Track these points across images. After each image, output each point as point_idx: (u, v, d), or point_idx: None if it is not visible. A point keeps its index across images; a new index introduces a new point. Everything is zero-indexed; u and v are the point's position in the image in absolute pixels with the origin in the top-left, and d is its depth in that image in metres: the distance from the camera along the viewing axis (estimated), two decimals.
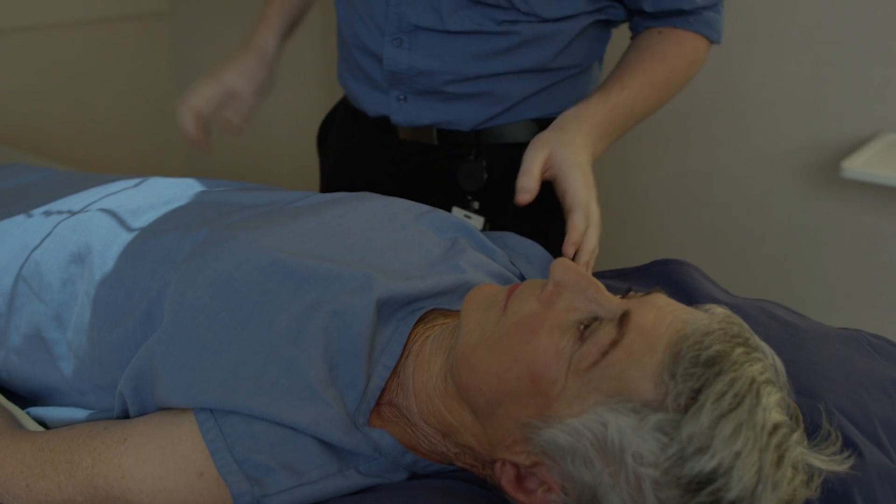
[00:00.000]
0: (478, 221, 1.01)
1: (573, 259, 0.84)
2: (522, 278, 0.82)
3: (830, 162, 2.08)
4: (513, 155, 0.96)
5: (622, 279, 0.86)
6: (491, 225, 1.03)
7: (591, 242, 0.84)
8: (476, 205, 1.03)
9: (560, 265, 0.62)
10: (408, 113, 1.05)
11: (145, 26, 2.97)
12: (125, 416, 0.72)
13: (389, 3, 0.98)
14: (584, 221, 0.84)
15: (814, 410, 0.65)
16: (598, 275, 0.89)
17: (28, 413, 0.81)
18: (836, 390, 0.68)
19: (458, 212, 0.99)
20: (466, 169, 1.04)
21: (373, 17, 1.01)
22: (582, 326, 0.59)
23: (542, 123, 1.02)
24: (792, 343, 0.72)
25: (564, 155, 0.87)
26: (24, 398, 0.86)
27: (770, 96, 2.14)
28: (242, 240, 0.73)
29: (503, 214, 1.03)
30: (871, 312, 2.16)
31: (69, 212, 0.90)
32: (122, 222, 0.84)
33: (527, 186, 0.87)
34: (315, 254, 0.74)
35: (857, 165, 1.80)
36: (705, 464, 0.53)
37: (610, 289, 0.62)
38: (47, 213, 0.92)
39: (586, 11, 0.99)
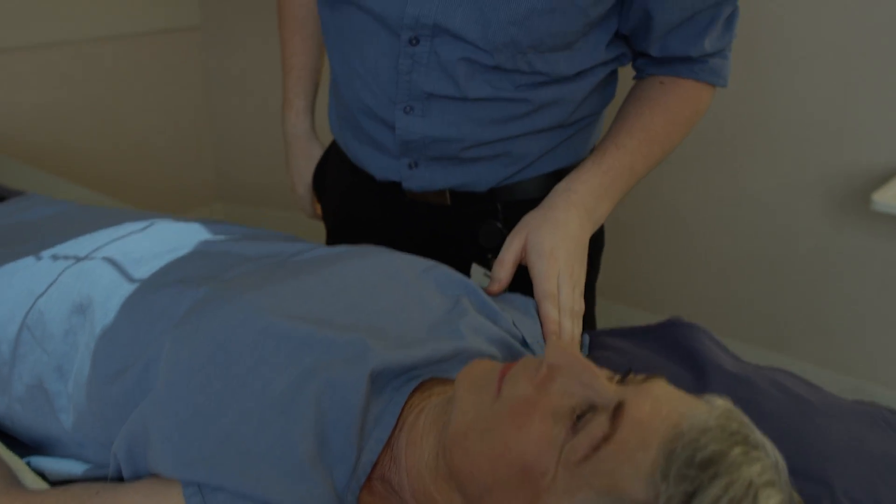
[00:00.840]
0: None
1: None
2: (524, 342, 0.80)
3: (861, 191, 2.03)
4: (528, 211, 0.94)
5: (630, 339, 0.84)
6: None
7: (568, 332, 0.82)
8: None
9: (554, 347, 0.60)
10: (421, 179, 1.01)
11: (176, 40, 3.00)
12: (119, 476, 0.72)
13: (400, 70, 0.93)
14: (554, 311, 0.82)
15: (822, 498, 0.62)
16: (605, 332, 0.87)
17: (28, 463, 0.81)
18: (847, 474, 0.65)
19: (477, 270, 0.97)
20: (487, 228, 1.01)
21: (380, 84, 0.96)
22: (575, 416, 0.57)
23: (558, 176, 1.00)
24: (802, 419, 0.70)
25: (536, 241, 0.86)
26: (27, 445, 0.86)
27: (800, 121, 2.09)
28: (239, 301, 0.72)
29: (521, 269, 1.01)
30: None
31: (75, 257, 0.90)
32: (124, 272, 0.84)
33: (496, 276, 0.87)
34: (313, 315, 0.73)
35: (889, 199, 1.75)
36: None
37: (611, 361, 0.61)
38: (55, 258, 0.93)
39: (603, 62, 0.97)
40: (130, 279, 0.83)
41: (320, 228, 1.30)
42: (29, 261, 0.94)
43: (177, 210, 3.18)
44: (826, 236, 2.14)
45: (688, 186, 2.34)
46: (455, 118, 0.96)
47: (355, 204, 1.13)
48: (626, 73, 1.08)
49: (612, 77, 1.03)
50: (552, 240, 0.86)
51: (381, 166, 1.04)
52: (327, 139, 1.22)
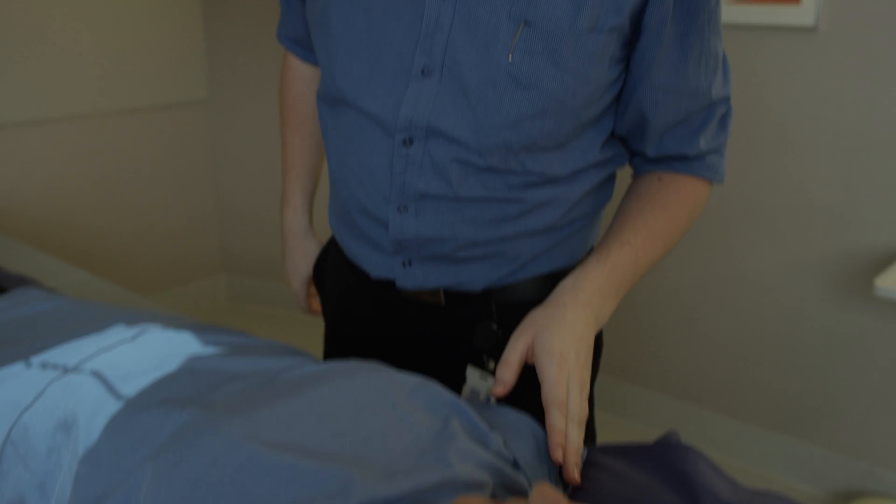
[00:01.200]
0: (492, 382, 0.98)
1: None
2: (516, 463, 0.79)
3: (864, 273, 2.02)
4: (524, 315, 0.93)
5: (624, 458, 0.82)
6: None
7: (574, 442, 0.80)
8: (492, 364, 0.99)
9: (539, 495, 0.59)
10: (415, 278, 1.01)
11: (184, 114, 3.05)
12: None
13: (394, 170, 0.94)
14: (562, 420, 0.80)
15: None
16: (602, 450, 0.85)
17: None
18: None
19: (472, 371, 0.96)
20: (482, 329, 1.01)
21: (374, 183, 0.97)
22: None
23: (554, 278, 1.00)
24: None
25: (545, 341, 0.84)
26: None
27: (801, 202, 2.10)
28: (223, 428, 0.71)
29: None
30: None
31: (63, 368, 0.90)
32: (110, 388, 0.83)
33: (502, 378, 0.85)
34: (297, 443, 0.71)
35: (891, 284, 1.74)
36: None
37: (605, 486, 0.59)
38: (44, 366, 0.92)
39: (597, 162, 0.98)
40: (117, 396, 0.82)
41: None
42: (18, 368, 0.93)
43: (180, 281, 3.18)
44: (830, 318, 2.12)
45: (691, 265, 2.33)
46: (448, 218, 0.96)
47: (352, 302, 1.13)
48: (624, 168, 1.08)
49: (610, 179, 1.04)
50: (562, 341, 0.85)
51: (375, 264, 1.04)
52: (326, 236, 1.23)
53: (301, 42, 1.20)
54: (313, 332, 1.69)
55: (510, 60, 0.87)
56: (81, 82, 2.72)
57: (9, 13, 2.52)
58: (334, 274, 1.17)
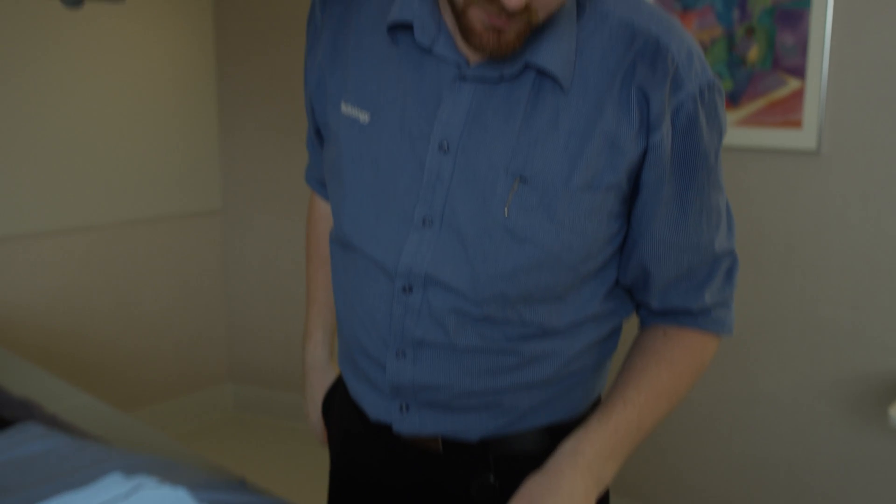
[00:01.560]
0: None
1: None
2: None
3: (878, 397, 1.98)
4: (523, 468, 0.91)
5: None
6: None
7: None
8: None
9: None
10: (411, 424, 1.00)
11: (198, 224, 3.10)
12: None
13: (394, 316, 0.95)
14: None
15: None
16: None
17: None
18: None
19: None
20: (479, 482, 0.99)
21: (375, 326, 0.98)
22: None
23: (553, 431, 0.98)
24: None
25: None
26: None
27: (811, 322, 2.08)
28: None
29: None
30: None
31: None
32: None
33: None
34: None
35: None
36: None
37: None
38: None
39: (597, 314, 0.97)
40: None
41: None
42: None
43: (187, 390, 3.16)
44: (844, 441, 2.07)
45: (704, 384, 2.30)
46: (445, 366, 0.96)
47: (355, 444, 1.12)
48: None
49: (614, 332, 1.03)
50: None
51: (374, 406, 1.04)
52: None
53: (325, 182, 1.23)
54: (319, 448, 1.66)
55: (506, 214, 0.88)
56: (98, 193, 2.77)
57: (26, 125, 2.60)
58: (340, 412, 1.17)
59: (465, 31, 0.82)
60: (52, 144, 2.64)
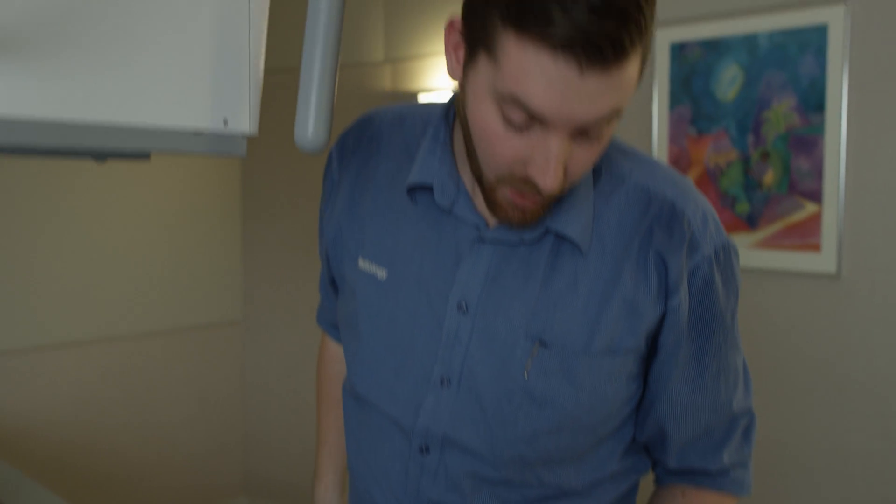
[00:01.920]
0: None
1: None
2: None
3: None
4: None
5: None
6: None
7: None
8: None
9: None
10: None
11: (217, 334, 3.11)
12: None
13: (409, 475, 0.94)
14: None
15: None
16: None
17: None
18: None
19: None
20: None
21: (389, 483, 0.97)
22: None
23: None
24: None
25: None
26: None
27: (840, 450, 2.02)
28: None
29: None
30: None
31: None
32: None
33: None
34: None
35: None
36: None
37: None
38: None
39: (615, 473, 0.96)
40: None
41: None
42: None
43: (202, 503, 3.11)
44: None
45: None
46: None
47: None
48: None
49: (631, 490, 1.01)
50: None
51: None
52: None
53: (338, 326, 1.23)
54: None
55: (526, 378, 0.88)
56: (120, 305, 2.81)
57: (47, 237, 2.65)
58: None
59: (492, 205, 0.83)
60: (77, 257, 2.69)
